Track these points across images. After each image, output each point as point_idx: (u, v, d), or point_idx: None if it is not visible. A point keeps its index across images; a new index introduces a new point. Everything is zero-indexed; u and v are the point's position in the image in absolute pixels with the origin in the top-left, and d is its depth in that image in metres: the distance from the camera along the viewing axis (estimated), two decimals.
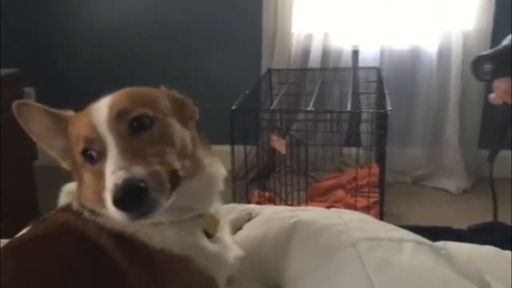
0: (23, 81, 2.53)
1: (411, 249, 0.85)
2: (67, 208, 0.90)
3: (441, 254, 0.86)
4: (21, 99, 2.52)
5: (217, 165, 0.94)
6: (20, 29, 3.39)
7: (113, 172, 0.72)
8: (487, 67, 1.17)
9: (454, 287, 0.75)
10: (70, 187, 0.93)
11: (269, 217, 1.08)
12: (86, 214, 0.83)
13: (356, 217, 1.01)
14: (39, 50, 3.43)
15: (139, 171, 0.72)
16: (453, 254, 0.91)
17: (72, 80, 3.45)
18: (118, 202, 0.70)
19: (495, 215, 1.51)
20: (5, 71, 2.38)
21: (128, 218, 0.72)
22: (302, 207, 1.40)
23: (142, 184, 0.70)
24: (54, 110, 0.90)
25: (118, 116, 0.79)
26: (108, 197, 0.72)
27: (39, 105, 0.90)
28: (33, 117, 0.89)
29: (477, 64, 1.19)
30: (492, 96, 1.28)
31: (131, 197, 0.70)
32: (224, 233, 0.96)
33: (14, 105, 0.87)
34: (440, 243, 0.99)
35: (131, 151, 0.75)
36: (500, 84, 1.23)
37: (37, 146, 2.65)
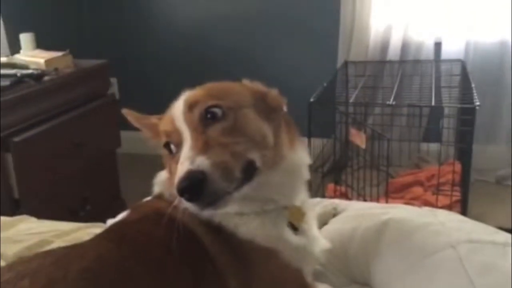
0: (109, 71, 2.64)
1: None
2: (160, 196, 0.95)
3: None
4: (108, 89, 2.64)
5: (301, 155, 0.94)
6: (105, 22, 3.55)
7: (181, 163, 0.75)
8: None
9: None
10: (162, 176, 0.97)
11: (358, 212, 1.06)
12: (176, 202, 0.86)
13: (453, 217, 0.97)
14: (123, 43, 3.56)
15: (202, 162, 0.73)
16: None
17: (152, 74, 3.57)
18: (181, 192, 0.72)
19: None
20: (93, 62, 2.49)
21: (195, 208, 0.75)
22: (392, 204, 1.36)
23: (200, 176, 0.72)
24: (145, 117, 0.98)
25: (190, 109, 0.82)
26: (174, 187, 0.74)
27: (135, 113, 0.99)
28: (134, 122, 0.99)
29: None
30: None
31: (192, 188, 0.71)
32: (311, 225, 0.96)
33: (123, 112, 0.98)
34: None
35: (202, 141, 0.77)
36: None
37: (120, 134, 2.77)
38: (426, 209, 1.05)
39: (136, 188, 2.07)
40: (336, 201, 1.24)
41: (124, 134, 2.69)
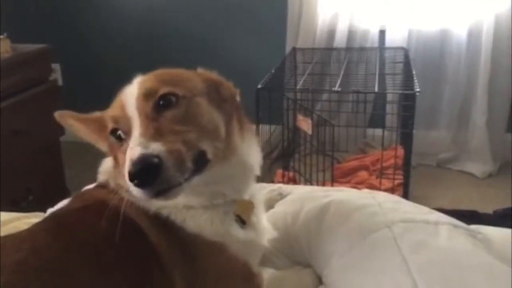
0: (51, 57, 2.55)
1: (447, 232, 0.85)
2: (105, 185, 0.91)
3: (477, 238, 0.86)
4: (49, 74, 2.54)
5: (253, 150, 0.93)
6: (47, 5, 3.41)
7: (131, 148, 0.71)
8: None
9: (492, 271, 0.75)
10: (108, 164, 0.93)
11: (301, 196, 1.08)
12: (122, 192, 0.83)
13: (390, 198, 1.01)
14: (65, 27, 3.44)
15: (157, 147, 0.70)
16: (490, 238, 0.90)
17: (98, 58, 3.47)
18: (133, 177, 0.68)
19: None
20: (33, 46, 2.39)
21: (145, 195, 0.70)
22: (335, 187, 1.40)
23: (156, 160, 0.68)
24: (86, 116, 0.94)
25: (144, 95, 0.79)
26: (125, 173, 0.70)
27: (72, 113, 0.94)
28: (72, 125, 0.95)
29: None
30: None
31: (145, 172, 0.68)
32: (260, 218, 0.96)
33: (56, 115, 0.93)
34: (474, 227, 0.98)
35: (154, 128, 0.74)
36: None
37: None
38: (366, 191, 1.09)
39: (81, 177, 2.02)
40: (282, 185, 1.26)
41: None
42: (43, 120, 2.40)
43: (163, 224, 0.83)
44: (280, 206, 1.10)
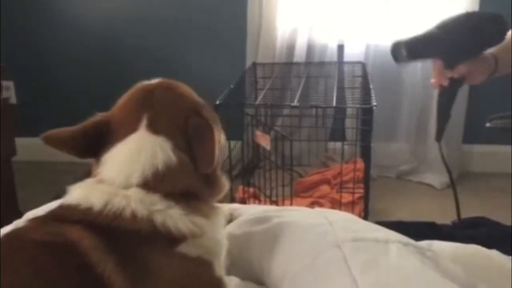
0: (2, 74, 2.46)
1: (397, 250, 0.84)
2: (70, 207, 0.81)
3: (426, 256, 0.85)
4: (1, 93, 2.45)
5: None
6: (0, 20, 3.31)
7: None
8: (403, 52, 1.27)
9: None
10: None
11: (252, 217, 1.05)
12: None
13: (342, 217, 1.00)
14: (20, 43, 3.35)
15: None
16: (439, 255, 0.90)
17: (54, 75, 3.38)
18: None
19: (457, 206, 1.53)
20: None
21: None
22: (287, 207, 1.38)
23: None
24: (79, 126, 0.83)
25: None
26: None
27: (66, 131, 0.82)
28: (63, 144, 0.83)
29: (395, 48, 1.29)
30: (432, 81, 1.36)
31: None
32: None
33: (43, 139, 0.81)
34: (425, 243, 0.97)
35: None
36: (435, 65, 1.31)
37: (15, 141, 2.58)
38: (318, 210, 1.07)
39: (35, 198, 1.94)
40: (234, 205, 1.23)
41: (20, 141, 2.52)
42: None
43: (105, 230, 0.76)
44: (230, 228, 1.07)
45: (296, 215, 1.02)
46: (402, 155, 3.14)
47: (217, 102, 2.26)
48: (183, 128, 0.82)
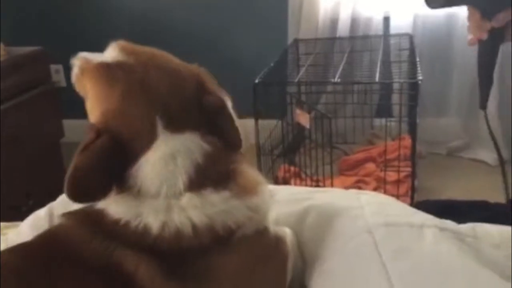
0: (49, 58, 2.53)
1: (432, 236, 0.78)
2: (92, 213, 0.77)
3: (465, 242, 0.79)
4: (48, 76, 2.52)
5: None
6: (48, 8, 3.39)
7: None
8: None
9: (476, 278, 0.69)
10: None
11: (283, 199, 1.02)
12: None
13: (376, 199, 0.95)
14: (67, 28, 3.43)
15: None
16: (482, 240, 0.84)
17: None
18: None
19: (505, 183, 1.37)
20: (27, 49, 2.38)
21: None
22: (320, 189, 1.34)
23: None
24: None
25: None
26: None
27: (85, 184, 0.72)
28: None
29: None
30: (468, 38, 1.15)
31: None
32: None
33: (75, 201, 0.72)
34: (468, 227, 0.91)
35: None
36: (472, 17, 1.10)
37: (63, 123, 2.66)
38: (352, 191, 1.03)
39: None
40: (269, 187, 1.20)
41: (68, 123, 2.59)
42: (43, 122, 2.40)
43: None
44: None
45: (327, 197, 0.98)
46: (453, 130, 2.99)
47: (256, 81, 2.23)
48: (198, 109, 0.76)
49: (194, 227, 0.70)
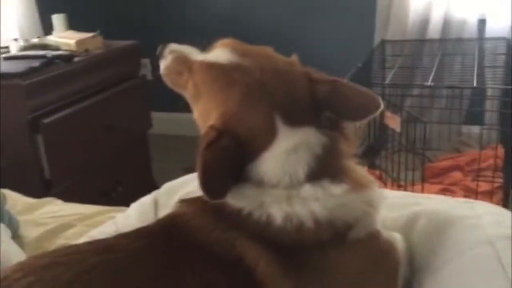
0: (140, 52, 2.62)
1: None
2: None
3: None
4: (138, 70, 2.62)
5: None
6: (137, 4, 3.54)
7: None
8: None
9: None
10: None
11: (388, 201, 0.99)
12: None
13: (491, 210, 0.89)
14: (154, 24, 3.55)
15: None
16: None
17: None
18: None
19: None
20: (123, 43, 2.48)
21: None
22: (424, 194, 1.29)
23: None
24: None
25: None
26: None
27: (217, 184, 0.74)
28: None
29: None
30: None
31: None
32: None
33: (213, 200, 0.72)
34: None
35: None
36: None
37: (151, 115, 2.75)
38: (462, 200, 0.98)
39: (167, 169, 2.07)
40: None
41: (156, 115, 2.68)
42: (132, 114, 2.49)
43: None
44: None
45: (437, 204, 0.94)
46: None
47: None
48: (311, 102, 0.76)
49: (315, 220, 0.70)
